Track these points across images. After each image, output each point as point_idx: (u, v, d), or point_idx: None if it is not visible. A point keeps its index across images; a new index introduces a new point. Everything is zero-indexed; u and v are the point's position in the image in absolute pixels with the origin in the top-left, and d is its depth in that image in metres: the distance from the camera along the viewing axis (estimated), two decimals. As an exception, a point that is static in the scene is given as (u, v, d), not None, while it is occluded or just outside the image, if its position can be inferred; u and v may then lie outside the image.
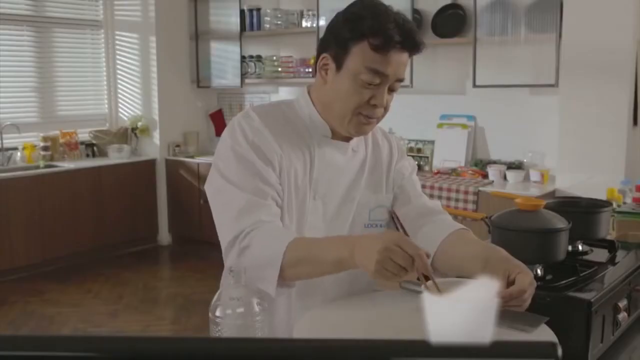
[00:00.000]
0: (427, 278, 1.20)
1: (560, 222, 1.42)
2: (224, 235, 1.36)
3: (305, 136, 1.46)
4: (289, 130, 1.45)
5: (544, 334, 1.21)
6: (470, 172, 4.19)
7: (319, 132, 1.46)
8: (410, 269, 1.15)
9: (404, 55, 1.37)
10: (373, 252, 1.15)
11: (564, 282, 1.36)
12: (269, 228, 1.33)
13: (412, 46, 1.36)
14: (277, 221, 1.37)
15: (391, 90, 1.40)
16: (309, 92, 1.49)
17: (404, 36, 1.33)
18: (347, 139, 1.49)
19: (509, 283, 1.20)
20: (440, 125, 4.50)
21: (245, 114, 1.45)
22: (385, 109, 1.42)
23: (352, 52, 1.35)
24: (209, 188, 1.44)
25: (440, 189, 3.92)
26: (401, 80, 1.40)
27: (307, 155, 1.45)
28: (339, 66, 1.38)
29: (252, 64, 5.33)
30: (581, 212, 1.64)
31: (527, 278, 1.19)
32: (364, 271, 1.20)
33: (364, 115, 1.39)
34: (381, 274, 1.15)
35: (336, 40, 1.38)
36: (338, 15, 1.41)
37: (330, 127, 1.46)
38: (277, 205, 1.39)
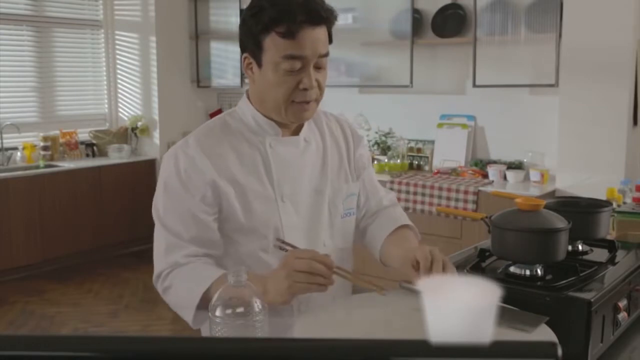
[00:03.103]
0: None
1: (560, 222, 1.42)
2: (154, 267, 1.41)
3: (254, 141, 1.43)
4: (236, 141, 1.42)
5: (544, 334, 1.21)
6: (470, 172, 4.19)
7: (267, 133, 1.43)
8: (316, 272, 1.22)
9: (317, 31, 1.32)
10: (280, 277, 1.23)
11: (564, 282, 1.36)
12: (187, 270, 1.35)
13: (320, 19, 1.32)
14: (195, 261, 1.36)
15: (318, 67, 1.36)
16: (248, 96, 1.46)
17: (308, 12, 1.29)
18: (297, 132, 1.47)
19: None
20: (440, 125, 4.50)
21: (185, 140, 1.42)
22: (320, 88, 1.38)
23: (265, 46, 1.32)
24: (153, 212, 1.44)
25: (440, 189, 3.92)
26: (324, 55, 1.35)
27: (260, 159, 1.42)
28: (259, 63, 1.35)
29: (252, 64, 5.33)
30: (581, 212, 1.64)
31: (422, 251, 1.32)
32: (279, 302, 1.25)
33: (297, 102, 1.36)
34: (297, 288, 1.22)
35: (248, 38, 1.35)
36: (245, 11, 1.37)
37: (277, 124, 1.43)
38: (210, 235, 1.38)
